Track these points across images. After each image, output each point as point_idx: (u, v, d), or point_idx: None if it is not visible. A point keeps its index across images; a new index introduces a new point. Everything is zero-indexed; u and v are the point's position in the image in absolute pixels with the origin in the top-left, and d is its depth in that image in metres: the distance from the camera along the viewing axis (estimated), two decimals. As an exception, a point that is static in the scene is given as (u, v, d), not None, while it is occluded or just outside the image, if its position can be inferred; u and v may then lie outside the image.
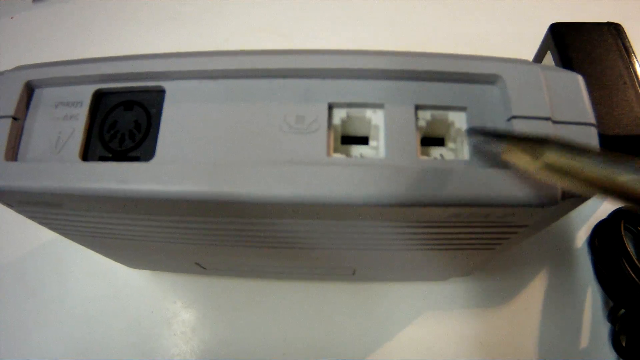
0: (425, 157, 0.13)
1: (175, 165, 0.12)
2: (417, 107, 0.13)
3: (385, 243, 0.15)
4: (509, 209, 0.13)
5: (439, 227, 0.14)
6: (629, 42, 0.26)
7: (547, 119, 0.13)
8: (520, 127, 0.13)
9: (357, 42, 0.31)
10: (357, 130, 0.14)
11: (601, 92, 0.23)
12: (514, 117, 0.13)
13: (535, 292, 0.23)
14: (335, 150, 0.13)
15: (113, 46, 0.31)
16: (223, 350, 0.22)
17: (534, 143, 0.10)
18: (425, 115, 0.13)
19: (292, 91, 0.13)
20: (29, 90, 0.14)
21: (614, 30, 0.26)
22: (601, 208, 0.26)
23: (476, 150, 0.13)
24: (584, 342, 0.22)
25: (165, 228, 0.15)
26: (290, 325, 0.22)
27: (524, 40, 0.27)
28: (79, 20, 0.33)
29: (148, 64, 0.13)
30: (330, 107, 0.13)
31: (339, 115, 0.13)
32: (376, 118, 0.13)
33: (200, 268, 0.20)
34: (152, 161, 0.13)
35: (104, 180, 0.13)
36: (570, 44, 0.25)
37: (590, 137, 0.13)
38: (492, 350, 0.23)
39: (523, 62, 0.14)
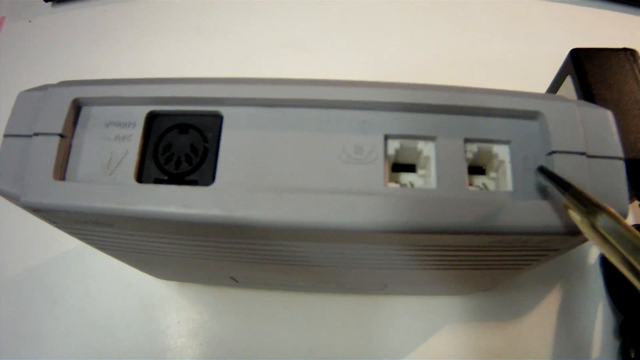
0: (473, 188, 0.14)
1: (237, 191, 0.13)
2: (466, 140, 0.14)
3: (427, 263, 0.17)
4: (548, 237, 0.14)
5: (479, 250, 0.15)
6: None
7: (583, 153, 0.15)
8: (560, 161, 0.14)
9: (380, 59, 0.32)
10: (405, 159, 0.15)
11: (618, 116, 0.25)
12: (554, 152, 0.14)
13: (549, 307, 0.25)
14: (390, 180, 0.14)
15: (132, 54, 0.31)
16: None
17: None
18: (472, 148, 0.14)
19: (349, 122, 0.14)
20: (77, 107, 0.15)
21: (631, 56, 0.28)
22: None
23: (540, 187, 0.14)
24: (595, 354, 0.25)
25: (212, 247, 0.16)
26: (316, 337, 0.24)
27: (540, 64, 0.29)
28: (97, 25, 0.33)
29: (205, 89, 0.14)
30: (386, 138, 0.14)
31: (394, 146, 0.14)
32: (427, 149, 0.14)
33: (234, 281, 0.21)
34: (213, 186, 0.13)
35: (165, 203, 0.13)
36: (589, 69, 0.27)
37: (619, 171, 0.15)
38: None
39: (561, 98, 0.15)
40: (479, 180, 0.15)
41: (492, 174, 0.15)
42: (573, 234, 0.14)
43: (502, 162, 0.15)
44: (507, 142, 0.15)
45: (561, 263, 0.27)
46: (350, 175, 0.13)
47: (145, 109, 0.14)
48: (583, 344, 0.25)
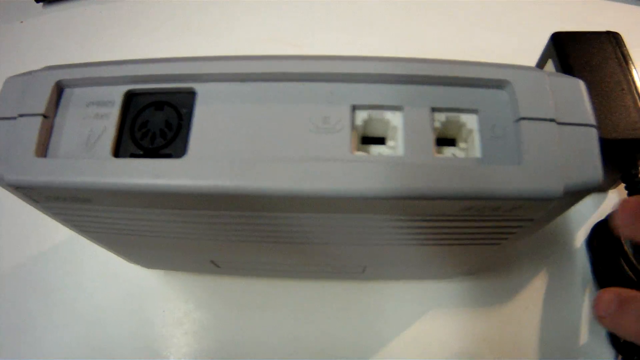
0: (440, 155, 0.14)
1: (207, 162, 0.14)
2: (433, 109, 0.15)
3: (399, 238, 0.17)
4: (517, 202, 0.14)
5: (451, 220, 0.16)
6: (627, 50, 0.28)
7: (552, 120, 0.15)
8: (528, 128, 0.15)
9: (366, 52, 0.33)
10: (375, 132, 0.15)
11: (600, 98, 0.26)
12: (522, 118, 0.15)
13: (535, 291, 0.26)
14: (358, 149, 0.14)
15: (122, 51, 0.32)
16: (234, 350, 0.23)
17: None
18: (440, 117, 0.15)
19: (317, 93, 0.15)
20: (59, 89, 0.16)
21: (613, 39, 0.28)
22: (600, 209, 0.28)
23: None
24: (583, 339, 0.24)
25: (188, 223, 0.16)
26: (300, 324, 0.24)
27: (525, 50, 0.30)
28: (88, 24, 0.34)
29: (179, 66, 0.15)
30: (354, 109, 0.15)
31: (361, 116, 0.15)
32: (395, 119, 0.15)
33: (215, 267, 0.22)
34: (185, 158, 0.14)
35: (137, 175, 0.14)
36: (570, 52, 0.27)
37: (591, 137, 0.16)
38: (494, 347, 0.25)
39: (530, 68, 0.16)
40: (449, 151, 0.15)
41: (462, 145, 0.15)
42: (541, 199, 0.14)
43: (470, 131, 0.15)
44: (475, 111, 0.15)
45: (548, 248, 0.27)
46: (318, 145, 0.14)
47: (123, 88, 0.15)
48: (571, 329, 0.25)
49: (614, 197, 0.29)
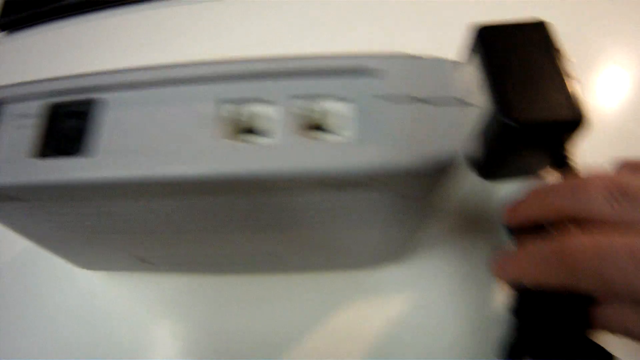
0: (310, 139, 0.16)
1: (110, 158, 0.16)
2: (304, 99, 0.17)
3: (291, 220, 0.19)
4: (382, 178, 0.16)
5: (332, 200, 0.17)
6: (553, 37, 0.29)
7: (418, 100, 0.17)
8: (391, 109, 0.16)
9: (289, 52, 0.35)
10: (254, 124, 0.17)
11: (524, 84, 0.27)
12: (390, 100, 0.16)
13: (454, 275, 0.27)
14: (234, 138, 0.16)
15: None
16: (171, 344, 0.25)
17: None
18: (316, 106, 0.17)
19: (193, 94, 0.17)
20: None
21: (538, 27, 0.29)
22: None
23: None
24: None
25: (102, 215, 0.19)
26: (227, 319, 0.25)
27: (451, 44, 0.31)
28: (51, 50, 0.37)
29: (87, 80, 0.18)
30: (221, 103, 0.17)
31: (236, 110, 0.17)
32: (270, 111, 0.17)
33: (148, 264, 0.24)
34: (90, 156, 0.17)
35: (50, 172, 0.17)
36: (493, 44, 0.28)
37: (457, 114, 0.17)
38: (419, 331, 0.26)
39: (403, 55, 0.17)
40: (325, 136, 0.17)
41: (336, 129, 0.17)
42: (400, 173, 0.16)
43: (344, 117, 0.17)
44: (348, 98, 0.17)
45: (471, 233, 0.28)
46: (192, 137, 0.16)
47: (42, 102, 0.18)
48: (491, 312, 0.26)
49: (543, 178, 0.30)
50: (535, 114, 0.27)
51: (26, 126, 0.18)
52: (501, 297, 0.27)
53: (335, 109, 0.17)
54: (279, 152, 0.16)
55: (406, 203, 0.18)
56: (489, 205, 0.29)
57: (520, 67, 0.29)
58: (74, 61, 0.37)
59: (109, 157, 0.16)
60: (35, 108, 0.18)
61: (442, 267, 0.28)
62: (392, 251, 0.25)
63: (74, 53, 0.38)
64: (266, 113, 0.16)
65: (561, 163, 0.26)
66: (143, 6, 0.39)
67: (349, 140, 0.16)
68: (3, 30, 0.40)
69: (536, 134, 0.27)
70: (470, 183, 0.31)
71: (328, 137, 0.17)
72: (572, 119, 0.27)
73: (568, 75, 0.29)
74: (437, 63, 0.17)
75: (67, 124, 0.18)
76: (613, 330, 0.18)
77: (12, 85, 0.19)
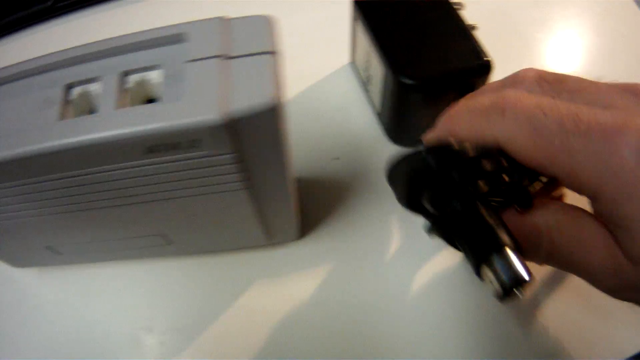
0: (125, 108, 0.17)
1: None
2: (125, 73, 0.18)
3: (131, 191, 0.19)
4: (182, 134, 0.16)
5: (154, 165, 0.17)
6: None
7: (220, 56, 0.16)
8: (194, 67, 0.16)
9: None
10: (87, 102, 0.18)
11: (418, 40, 0.26)
12: (190, 61, 0.17)
13: (359, 250, 0.26)
14: (69, 117, 0.18)
15: None
16: (81, 334, 0.25)
17: None
18: (135, 78, 0.18)
19: (43, 82, 0.19)
20: None
21: None
22: None
23: None
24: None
25: None
26: (129, 303, 0.26)
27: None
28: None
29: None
30: (68, 87, 0.18)
31: (76, 91, 0.18)
32: (97, 88, 0.18)
33: (57, 254, 0.25)
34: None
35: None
36: (373, 12, 0.27)
37: (265, 64, 0.16)
38: (325, 307, 0.25)
39: (210, 19, 0.17)
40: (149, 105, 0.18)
41: (157, 97, 0.18)
42: (202, 129, 0.16)
43: (158, 84, 0.17)
44: (158, 66, 0.17)
45: (368, 204, 0.27)
46: (39, 118, 0.18)
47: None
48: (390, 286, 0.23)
49: None
50: (432, 67, 0.26)
51: None
52: (402, 270, 0.26)
53: (148, 78, 0.17)
54: (100, 123, 0.17)
55: (231, 163, 0.17)
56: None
57: (410, 24, 0.27)
58: None
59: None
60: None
61: (344, 243, 0.27)
62: (284, 228, 0.24)
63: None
64: (96, 91, 0.18)
65: None
66: (116, 4, 0.40)
67: (161, 105, 0.16)
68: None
69: (439, 87, 0.26)
70: (376, 155, 0.30)
71: (152, 105, 0.17)
72: (477, 65, 0.25)
73: (465, 23, 0.26)
74: (248, 21, 0.17)
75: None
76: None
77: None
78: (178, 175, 0.18)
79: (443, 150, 0.17)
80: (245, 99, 0.16)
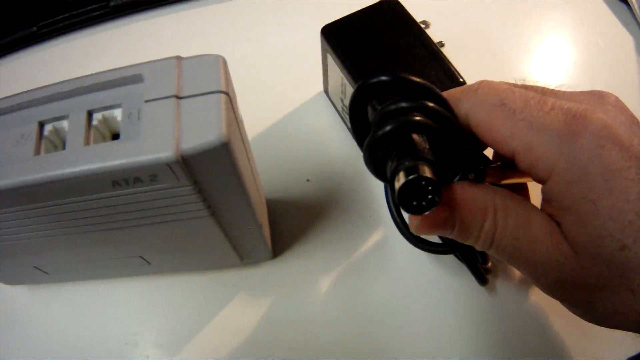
0: (90, 145, 0.19)
1: None
2: (90, 112, 0.19)
3: (100, 219, 0.21)
4: (138, 170, 0.18)
5: (120, 197, 0.19)
6: (405, 10, 0.28)
7: (172, 96, 0.18)
8: (151, 108, 0.18)
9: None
10: (58, 138, 0.20)
11: (397, 65, 0.26)
12: (147, 101, 0.18)
13: (330, 268, 0.28)
14: (43, 152, 0.20)
15: None
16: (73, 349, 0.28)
17: None
18: (98, 116, 0.19)
19: (20, 119, 0.21)
20: None
21: (391, 7, 0.27)
22: None
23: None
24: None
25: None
26: (115, 319, 0.28)
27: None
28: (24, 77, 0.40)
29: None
30: (41, 124, 0.20)
31: (47, 128, 0.20)
32: (65, 125, 0.20)
33: (44, 273, 0.27)
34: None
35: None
36: (341, 41, 0.27)
37: (215, 103, 0.18)
38: (302, 325, 0.27)
39: (166, 59, 0.19)
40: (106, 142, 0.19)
41: (119, 134, 0.19)
42: (157, 165, 0.17)
43: (119, 122, 0.19)
44: (119, 105, 0.19)
45: (341, 224, 0.29)
46: (16, 153, 0.20)
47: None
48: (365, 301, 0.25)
49: None
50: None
51: None
52: (375, 286, 0.28)
53: (112, 116, 0.19)
54: (69, 159, 0.19)
55: (193, 194, 0.19)
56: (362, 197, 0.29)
57: (381, 52, 0.28)
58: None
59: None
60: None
61: (316, 261, 0.29)
62: (256, 249, 0.27)
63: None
64: (66, 128, 0.19)
65: None
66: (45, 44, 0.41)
67: (121, 142, 0.18)
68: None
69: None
70: (347, 178, 0.31)
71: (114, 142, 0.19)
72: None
73: (433, 45, 0.26)
74: (200, 61, 0.19)
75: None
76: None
77: None
78: (144, 205, 0.20)
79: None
80: (196, 136, 0.18)
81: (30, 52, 0.40)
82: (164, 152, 0.17)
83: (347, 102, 0.30)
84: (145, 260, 0.25)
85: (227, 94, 0.18)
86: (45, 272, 0.26)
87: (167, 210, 0.20)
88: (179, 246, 0.24)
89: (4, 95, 0.22)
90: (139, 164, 0.18)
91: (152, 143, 0.18)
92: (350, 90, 0.28)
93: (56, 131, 0.20)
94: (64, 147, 0.20)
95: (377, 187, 0.30)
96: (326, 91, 0.34)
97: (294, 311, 0.27)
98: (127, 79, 0.19)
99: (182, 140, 0.18)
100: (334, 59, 0.28)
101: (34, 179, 0.19)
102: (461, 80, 0.25)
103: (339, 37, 0.27)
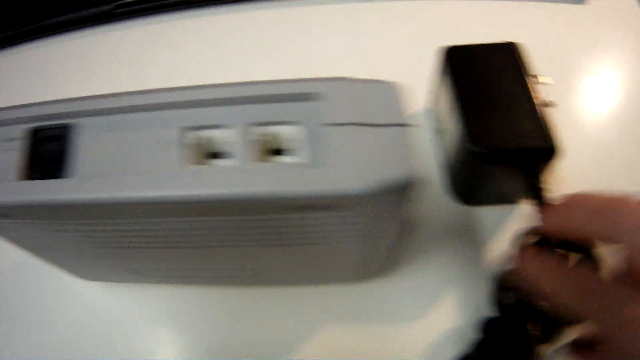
0: (263, 163, 0.18)
1: (85, 180, 0.18)
2: (258, 124, 0.18)
3: (254, 238, 0.21)
4: (324, 200, 0.17)
5: (282, 220, 0.19)
6: (524, 59, 0.29)
7: (359, 124, 0.18)
8: (335, 132, 0.18)
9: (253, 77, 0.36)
10: (216, 148, 0.19)
11: (490, 109, 0.27)
12: (331, 124, 0.18)
13: (437, 288, 0.29)
14: (192, 163, 0.18)
15: (64, 89, 0.36)
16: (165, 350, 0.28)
17: None
18: (264, 130, 0.18)
19: (156, 120, 0.19)
20: (-19, 130, 0.21)
21: (509, 50, 0.29)
22: (509, 219, 0.31)
23: None
24: None
25: (86, 232, 0.21)
26: (216, 329, 0.28)
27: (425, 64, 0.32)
28: (30, 68, 0.39)
29: (62, 107, 0.20)
30: (184, 130, 0.18)
31: (192, 135, 0.19)
32: (225, 136, 0.18)
33: (138, 275, 0.26)
34: (70, 178, 0.19)
35: (36, 193, 0.19)
36: (461, 65, 0.28)
37: (400, 137, 0.18)
38: (400, 344, 0.28)
39: (343, 79, 0.19)
40: (275, 159, 0.19)
41: (286, 153, 0.19)
42: (346, 196, 0.17)
43: (291, 140, 0.18)
44: (294, 122, 0.18)
45: (444, 247, 0.30)
46: (156, 160, 0.18)
47: (24, 127, 0.20)
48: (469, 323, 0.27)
49: (524, 207, 0.31)
50: (501, 142, 0.26)
51: (11, 149, 0.20)
52: (478, 310, 0.29)
53: (287, 133, 0.18)
54: (237, 177, 0.17)
55: (369, 222, 0.19)
56: (469, 228, 0.31)
57: (490, 91, 0.28)
58: (57, 81, 0.39)
59: (85, 180, 0.19)
60: (19, 132, 0.20)
61: (423, 281, 0.29)
62: (373, 267, 0.27)
63: (56, 73, 0.39)
64: (225, 138, 0.18)
65: (536, 192, 0.26)
66: (121, 25, 0.40)
67: (303, 165, 0.18)
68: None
69: (504, 161, 0.27)
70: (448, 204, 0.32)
71: (284, 159, 0.19)
72: (542, 148, 0.26)
73: (539, 101, 0.28)
74: (376, 87, 0.19)
75: (47, 148, 0.20)
76: None
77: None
78: (303, 229, 0.20)
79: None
80: (384, 170, 0.17)
81: (103, 30, 0.39)
82: (355, 183, 0.17)
83: (445, 125, 0.31)
84: (255, 272, 0.25)
85: (408, 126, 0.19)
86: (141, 275, 0.24)
87: (324, 234, 0.20)
88: (303, 263, 0.24)
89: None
90: (326, 192, 0.17)
91: (342, 173, 0.17)
92: (454, 117, 0.28)
93: (213, 141, 0.19)
94: (218, 158, 0.18)
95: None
96: (429, 107, 0.34)
97: (399, 329, 0.28)
98: (298, 95, 0.18)
99: (370, 172, 0.17)
100: (447, 81, 0.29)
101: (192, 195, 0.17)
102: (552, 143, 0.26)
103: (460, 62, 0.28)
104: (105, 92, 0.20)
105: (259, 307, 0.28)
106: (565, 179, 0.31)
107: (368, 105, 0.18)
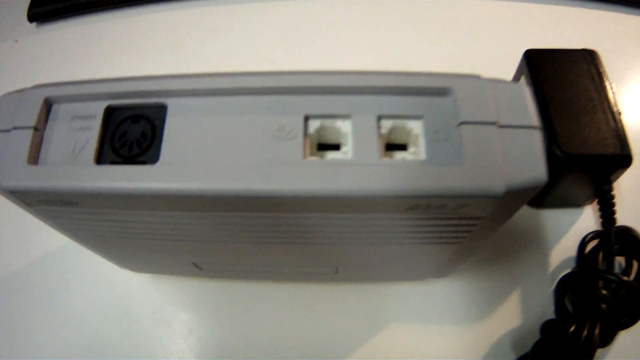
0: (386, 158, 0.17)
1: (176, 167, 0.16)
2: (380, 117, 0.17)
3: (360, 236, 0.19)
4: (459, 200, 0.16)
5: (403, 219, 0.18)
6: (602, 67, 0.29)
7: (493, 123, 0.17)
8: (468, 131, 0.17)
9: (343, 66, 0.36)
10: (331, 139, 0.17)
11: (572, 114, 0.27)
12: (463, 122, 0.17)
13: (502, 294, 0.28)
14: (311, 155, 0.17)
15: (115, 71, 0.35)
16: (218, 348, 0.26)
17: None
18: (387, 124, 0.17)
19: (274, 105, 0.17)
20: (48, 105, 0.18)
21: (588, 56, 0.29)
22: (575, 225, 0.30)
23: None
24: None
25: (167, 224, 0.19)
26: (281, 325, 0.26)
27: (501, 66, 0.31)
28: (79, 43, 0.37)
29: (152, 84, 0.17)
30: (306, 118, 0.17)
31: (314, 125, 0.17)
32: (345, 127, 0.17)
33: (197, 269, 0.24)
34: (157, 164, 0.17)
35: (115, 180, 0.17)
36: (542, 68, 0.29)
37: (533, 139, 0.17)
38: (467, 349, 0.27)
39: (472, 76, 0.18)
40: (400, 155, 0.17)
41: (412, 149, 0.17)
42: (482, 197, 0.16)
43: (416, 136, 0.17)
44: (420, 117, 0.17)
45: (509, 252, 0.29)
46: (273, 151, 0.16)
47: (104, 104, 0.18)
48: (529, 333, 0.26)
49: (590, 212, 0.31)
50: (585, 147, 0.27)
51: (88, 128, 0.17)
52: (543, 313, 0.28)
53: (406, 127, 0.17)
54: (361, 171, 0.16)
55: (477, 224, 0.18)
56: (535, 230, 0.30)
57: (569, 95, 0.29)
58: (104, 57, 0.37)
59: (177, 167, 0.16)
60: (95, 110, 0.18)
61: (487, 282, 0.29)
62: (456, 267, 0.26)
63: (103, 49, 0.37)
64: (348, 130, 0.17)
65: (603, 196, 0.27)
66: (175, 5, 0.38)
67: (433, 163, 0.16)
68: (32, 21, 0.39)
69: (584, 167, 0.27)
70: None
71: (406, 156, 0.17)
72: (620, 155, 0.27)
73: (615, 108, 0.29)
74: (507, 88, 0.18)
75: (131, 130, 0.17)
76: None
77: (65, 84, 0.19)
78: (416, 228, 0.18)
79: None
80: (521, 173, 0.16)
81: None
82: (494, 184, 0.16)
83: None
84: (337, 270, 0.23)
85: (539, 129, 0.18)
86: (201, 269, 0.22)
87: (431, 234, 0.19)
88: (390, 262, 0.22)
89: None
90: (468, 192, 0.16)
91: (480, 173, 0.16)
92: None
93: (332, 131, 0.17)
94: (344, 154, 0.17)
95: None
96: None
97: (459, 330, 0.27)
98: (428, 89, 0.17)
99: (507, 174, 0.16)
100: (526, 82, 0.29)
101: (315, 189, 0.16)
102: (627, 152, 0.27)
103: (539, 64, 0.29)
104: (187, 70, 0.18)
105: (319, 304, 0.27)
106: (627, 185, 0.31)
107: (498, 104, 0.17)
